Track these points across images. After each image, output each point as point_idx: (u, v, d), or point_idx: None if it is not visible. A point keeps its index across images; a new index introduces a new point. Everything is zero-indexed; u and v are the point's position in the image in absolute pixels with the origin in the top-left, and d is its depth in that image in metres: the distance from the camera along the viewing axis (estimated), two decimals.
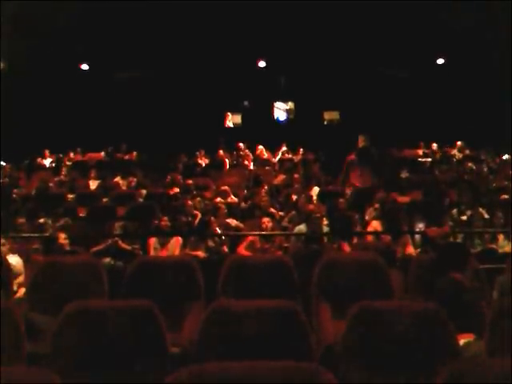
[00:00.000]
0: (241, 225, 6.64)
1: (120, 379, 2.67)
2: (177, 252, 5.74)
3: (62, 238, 5.01)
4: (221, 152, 11.72)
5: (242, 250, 5.68)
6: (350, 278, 3.86)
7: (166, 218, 6.15)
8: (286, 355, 2.29)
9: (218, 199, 7.87)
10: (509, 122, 10.86)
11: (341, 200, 7.09)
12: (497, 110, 11.89)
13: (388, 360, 2.69)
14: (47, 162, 11.86)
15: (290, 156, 12.01)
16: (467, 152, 11.74)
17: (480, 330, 3.02)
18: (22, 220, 6.28)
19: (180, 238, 5.88)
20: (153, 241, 5.87)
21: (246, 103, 14.74)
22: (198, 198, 7.48)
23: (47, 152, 12.02)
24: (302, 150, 12.13)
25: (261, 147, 12.12)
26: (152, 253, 5.76)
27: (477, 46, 12.23)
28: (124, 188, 9.20)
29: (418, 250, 5.57)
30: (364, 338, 2.72)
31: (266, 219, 6.11)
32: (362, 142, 8.44)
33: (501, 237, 5.93)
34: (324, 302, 3.77)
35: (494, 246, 5.80)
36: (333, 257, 4.15)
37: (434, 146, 12.16)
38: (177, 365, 2.31)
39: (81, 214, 7.17)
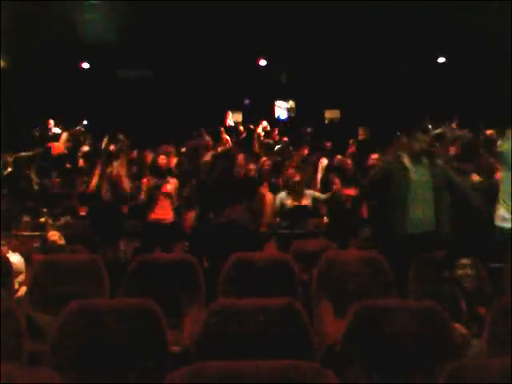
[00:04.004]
0: None
1: (120, 378, 2.67)
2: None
3: (51, 235, 5.03)
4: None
5: None
6: (351, 276, 3.86)
7: (163, 157, 6.54)
8: (287, 354, 2.29)
9: None
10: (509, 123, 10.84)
11: None
12: (497, 109, 11.87)
13: (389, 359, 2.68)
14: None
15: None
16: None
17: (477, 333, 3.04)
18: (24, 218, 6.29)
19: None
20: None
21: (246, 101, 14.71)
22: None
23: None
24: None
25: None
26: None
27: (477, 45, 12.23)
28: None
29: None
30: (365, 336, 2.72)
31: None
32: (361, 134, 8.43)
33: None
34: (325, 300, 3.77)
35: None
36: (334, 255, 4.15)
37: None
38: (178, 364, 2.31)
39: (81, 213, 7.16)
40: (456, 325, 3.06)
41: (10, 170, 8.52)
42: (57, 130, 11.87)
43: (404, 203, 4.25)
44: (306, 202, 6.08)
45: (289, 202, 6.04)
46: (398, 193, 4.29)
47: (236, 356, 2.20)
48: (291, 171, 6.39)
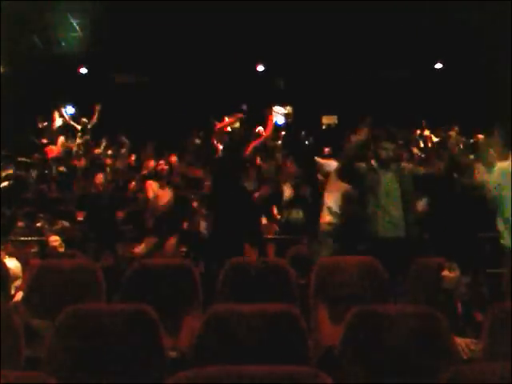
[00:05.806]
0: None
1: (117, 383, 2.66)
2: None
3: (53, 240, 5.02)
4: None
5: None
6: (348, 281, 3.86)
7: (163, 162, 6.33)
8: (284, 359, 2.28)
9: None
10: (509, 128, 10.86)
11: None
12: (496, 115, 11.89)
13: (386, 364, 2.68)
14: None
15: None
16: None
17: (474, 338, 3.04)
18: (20, 223, 6.28)
19: None
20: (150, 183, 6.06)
21: (244, 107, 14.70)
22: None
23: None
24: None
25: None
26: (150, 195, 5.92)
27: (475, 50, 12.27)
28: None
29: None
30: (362, 341, 2.71)
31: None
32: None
33: None
34: (322, 305, 3.77)
35: None
36: (331, 260, 4.15)
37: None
38: (175, 369, 2.30)
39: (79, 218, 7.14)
40: (459, 340, 3.05)
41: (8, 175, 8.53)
42: (59, 122, 11.87)
43: (376, 207, 4.30)
44: (303, 191, 6.25)
45: (287, 194, 6.25)
46: (370, 197, 4.34)
47: (233, 361, 2.19)
48: (289, 164, 6.63)
